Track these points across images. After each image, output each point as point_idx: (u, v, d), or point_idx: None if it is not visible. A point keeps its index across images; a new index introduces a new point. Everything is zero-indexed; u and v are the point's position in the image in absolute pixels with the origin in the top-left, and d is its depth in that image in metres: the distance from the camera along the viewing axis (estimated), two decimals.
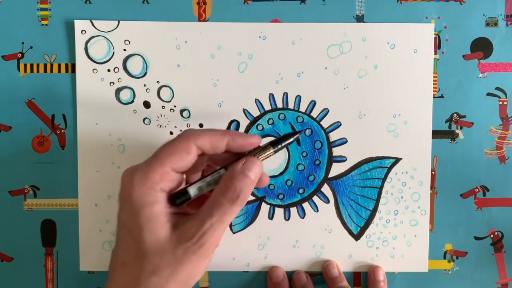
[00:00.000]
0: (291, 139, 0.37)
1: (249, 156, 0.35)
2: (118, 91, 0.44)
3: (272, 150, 0.36)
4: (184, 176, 0.36)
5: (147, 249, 0.32)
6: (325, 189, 0.45)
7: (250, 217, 0.45)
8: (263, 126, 0.45)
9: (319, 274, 0.45)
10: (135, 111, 0.44)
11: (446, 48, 0.45)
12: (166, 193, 0.33)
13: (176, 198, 0.33)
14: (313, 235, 0.45)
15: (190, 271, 0.33)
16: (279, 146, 0.37)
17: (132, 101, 0.44)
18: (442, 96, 0.45)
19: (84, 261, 0.45)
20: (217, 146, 0.34)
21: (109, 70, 0.44)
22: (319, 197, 0.45)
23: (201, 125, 0.44)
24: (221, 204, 0.32)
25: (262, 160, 0.35)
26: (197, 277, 0.34)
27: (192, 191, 0.34)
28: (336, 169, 0.45)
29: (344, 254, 0.45)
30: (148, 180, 0.32)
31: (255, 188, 0.36)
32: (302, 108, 0.44)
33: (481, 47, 0.45)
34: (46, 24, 0.44)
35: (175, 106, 0.44)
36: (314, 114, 0.45)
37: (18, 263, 0.45)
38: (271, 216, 0.45)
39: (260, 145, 0.36)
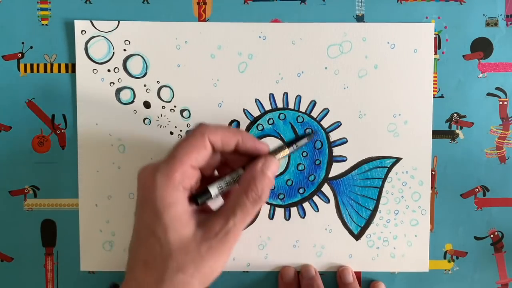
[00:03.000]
0: (305, 140, 0.40)
1: (267, 155, 0.36)
2: (118, 91, 0.44)
3: (287, 151, 0.38)
4: (199, 172, 0.37)
5: (173, 248, 0.33)
6: (326, 189, 0.45)
7: None
8: (263, 126, 0.45)
9: (320, 274, 0.45)
10: (135, 111, 0.44)
11: (446, 48, 0.45)
12: (187, 190, 0.34)
13: (198, 197, 0.34)
14: (313, 235, 0.45)
15: (213, 266, 0.34)
16: (295, 146, 0.39)
17: (132, 101, 0.44)
18: (442, 96, 0.45)
19: (85, 261, 0.45)
20: (228, 144, 0.35)
21: (109, 70, 0.44)
22: (319, 197, 0.45)
23: None
24: (244, 204, 0.34)
25: (279, 159, 0.37)
26: (218, 271, 0.35)
27: (213, 190, 0.35)
28: (337, 169, 0.45)
29: (345, 254, 0.45)
30: (170, 181, 0.33)
31: None
32: (302, 108, 0.45)
33: (481, 47, 0.45)
34: (46, 24, 0.44)
35: (175, 106, 0.44)
36: (314, 114, 0.45)
37: (18, 263, 0.45)
38: (271, 216, 0.45)
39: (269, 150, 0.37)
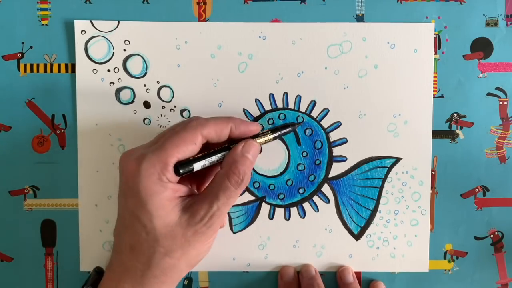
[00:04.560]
0: (289, 129, 0.41)
1: (247, 139, 0.37)
2: (118, 91, 0.44)
3: (271, 136, 0.40)
4: None
5: (159, 234, 0.34)
6: (326, 189, 0.45)
7: (251, 217, 0.45)
8: (263, 126, 0.45)
9: (320, 274, 0.45)
10: (135, 111, 0.44)
11: (446, 48, 0.45)
12: (172, 181, 0.34)
13: (181, 167, 0.35)
14: (313, 235, 0.45)
15: (199, 249, 0.35)
16: (278, 133, 0.40)
17: (132, 101, 0.44)
18: (442, 96, 0.45)
19: (84, 261, 0.45)
20: (222, 135, 0.36)
21: (109, 70, 0.44)
22: (319, 197, 0.45)
23: None
24: (227, 187, 0.35)
25: (261, 144, 0.39)
26: (204, 254, 0.37)
27: (197, 166, 0.36)
28: (337, 169, 0.45)
29: (345, 254, 0.45)
30: (156, 171, 0.33)
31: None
32: (302, 108, 0.45)
33: (481, 47, 0.45)
34: (46, 24, 0.44)
35: (175, 106, 0.44)
36: (314, 114, 0.45)
37: (18, 263, 0.45)
38: (271, 216, 0.45)
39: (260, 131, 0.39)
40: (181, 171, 0.35)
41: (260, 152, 0.39)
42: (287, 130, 0.41)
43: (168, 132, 0.36)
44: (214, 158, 0.37)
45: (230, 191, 0.35)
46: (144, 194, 0.33)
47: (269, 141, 0.40)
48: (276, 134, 0.40)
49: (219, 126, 0.36)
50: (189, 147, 0.35)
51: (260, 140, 0.39)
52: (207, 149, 0.37)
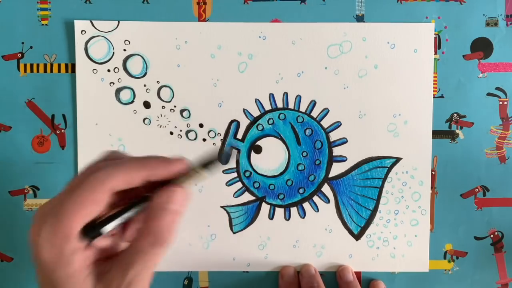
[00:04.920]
0: (226, 160, 0.31)
1: (170, 186, 0.29)
2: (118, 91, 0.44)
3: (202, 172, 0.29)
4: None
5: None
6: (326, 189, 0.45)
7: (251, 217, 0.45)
8: (263, 126, 0.45)
9: (320, 274, 0.45)
10: (135, 111, 0.44)
11: (446, 48, 0.45)
12: (82, 244, 0.28)
13: (88, 234, 0.28)
14: (313, 235, 0.45)
15: None
16: (209, 167, 0.30)
17: (132, 101, 0.44)
18: (442, 96, 0.45)
19: None
20: (133, 183, 0.29)
21: (109, 70, 0.44)
22: (319, 197, 0.45)
23: (201, 125, 0.44)
24: (142, 251, 0.28)
25: (192, 183, 0.30)
26: None
27: (108, 229, 0.29)
28: (337, 169, 0.45)
29: (345, 254, 0.45)
30: (57, 243, 0.27)
31: None
32: (302, 108, 0.45)
33: (481, 47, 0.45)
34: (46, 24, 0.44)
35: (175, 106, 0.44)
36: (314, 114, 0.45)
37: (18, 263, 0.45)
38: (271, 216, 0.45)
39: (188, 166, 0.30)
40: (89, 238, 0.28)
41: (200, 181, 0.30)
42: (219, 163, 0.30)
43: (71, 187, 0.28)
44: (130, 214, 0.29)
45: (148, 255, 0.28)
46: (49, 266, 0.27)
47: (202, 177, 0.30)
48: (206, 169, 0.29)
49: (130, 175, 0.28)
50: (93, 208, 0.28)
51: (187, 180, 0.29)
52: (126, 196, 0.30)
